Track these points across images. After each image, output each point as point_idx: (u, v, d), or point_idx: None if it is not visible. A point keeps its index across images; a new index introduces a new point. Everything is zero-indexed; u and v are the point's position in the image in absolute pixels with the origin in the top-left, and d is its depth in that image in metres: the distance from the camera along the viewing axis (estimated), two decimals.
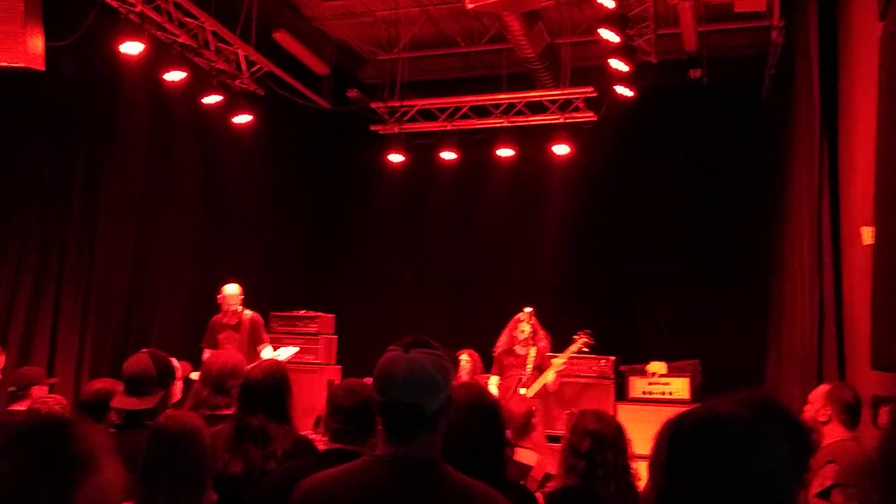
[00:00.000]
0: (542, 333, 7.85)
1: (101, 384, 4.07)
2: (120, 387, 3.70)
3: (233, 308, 7.64)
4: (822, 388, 4.60)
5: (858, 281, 4.69)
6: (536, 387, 7.60)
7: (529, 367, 7.64)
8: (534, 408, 5.03)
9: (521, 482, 3.83)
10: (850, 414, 4.42)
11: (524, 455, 4.38)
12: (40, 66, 6.25)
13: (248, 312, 7.73)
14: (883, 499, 1.28)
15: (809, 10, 6.36)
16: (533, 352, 7.68)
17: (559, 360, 7.79)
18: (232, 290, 7.71)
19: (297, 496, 2.07)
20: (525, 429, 4.78)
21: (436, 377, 2.02)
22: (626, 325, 9.71)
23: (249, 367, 3.97)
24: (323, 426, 5.18)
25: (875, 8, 4.01)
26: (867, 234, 4.13)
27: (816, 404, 4.51)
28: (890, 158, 3.50)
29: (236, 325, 7.65)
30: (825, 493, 3.67)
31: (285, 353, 7.42)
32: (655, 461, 1.64)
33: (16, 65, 6.12)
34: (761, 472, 1.55)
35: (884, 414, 2.64)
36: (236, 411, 3.70)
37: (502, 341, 7.85)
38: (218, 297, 7.73)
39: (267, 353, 7.40)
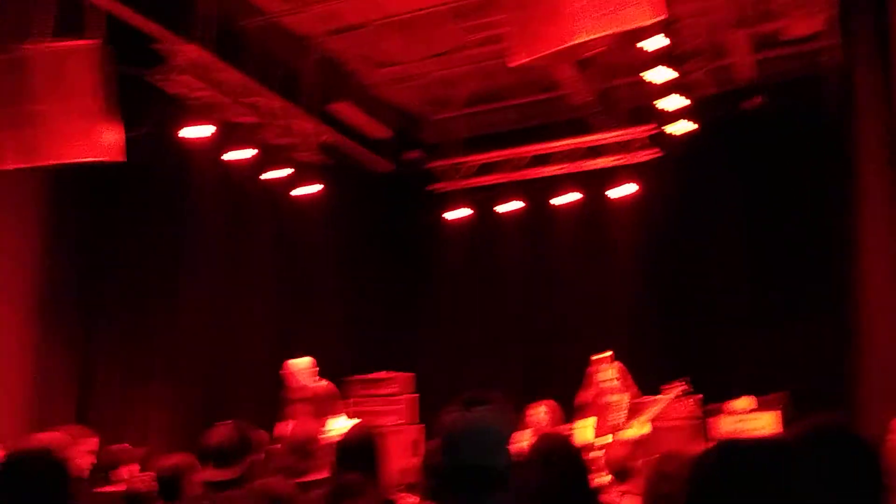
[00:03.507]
0: (630, 379, 7.75)
1: (177, 458, 4.15)
2: (195, 460, 3.79)
3: (299, 383, 7.43)
4: None
5: None
6: (633, 432, 7.44)
7: (624, 412, 7.49)
8: (633, 451, 4.99)
9: None
10: None
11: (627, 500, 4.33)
12: (120, 157, 6.56)
13: (321, 384, 7.53)
14: None
15: (866, 27, 6.29)
16: (626, 398, 7.56)
17: (655, 407, 7.65)
18: (299, 363, 7.48)
19: None
20: (624, 474, 4.74)
21: (499, 432, 1.99)
22: (708, 363, 9.49)
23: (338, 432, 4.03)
24: (403, 485, 5.22)
25: None
26: None
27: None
28: None
29: (307, 398, 7.41)
30: None
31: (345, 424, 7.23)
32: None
33: (96, 159, 6.43)
34: (784, 493, 1.50)
35: None
36: (331, 472, 3.76)
37: (587, 390, 7.74)
38: (281, 372, 7.56)
39: (337, 423, 7.24)
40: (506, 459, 1.99)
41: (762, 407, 8.52)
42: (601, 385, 7.62)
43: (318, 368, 7.64)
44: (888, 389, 6.04)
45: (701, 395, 8.74)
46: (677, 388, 7.79)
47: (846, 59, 7.78)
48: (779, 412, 8.43)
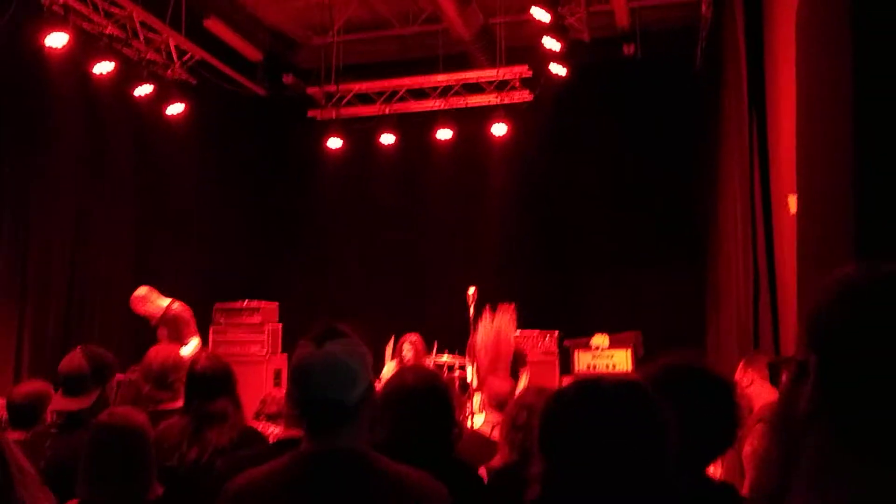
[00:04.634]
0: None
1: (31, 386, 3.97)
2: (52, 388, 3.66)
3: (143, 310, 7.21)
4: (745, 360, 4.85)
5: (788, 249, 4.83)
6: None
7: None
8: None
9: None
10: (774, 379, 4.65)
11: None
12: None
13: (175, 305, 7.28)
14: (771, 450, 1.34)
15: None
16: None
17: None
18: (137, 293, 7.23)
19: (227, 495, 2.04)
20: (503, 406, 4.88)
21: (353, 368, 2.00)
22: (569, 301, 9.85)
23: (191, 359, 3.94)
24: (263, 415, 5.20)
25: None
26: (793, 203, 4.26)
27: (738, 373, 4.75)
28: (808, 127, 3.61)
29: (159, 320, 7.22)
30: None
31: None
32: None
33: None
34: (642, 433, 1.58)
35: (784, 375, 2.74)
36: (187, 402, 3.68)
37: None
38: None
39: (187, 350, 7.08)
40: (357, 394, 1.99)
41: (616, 344, 8.94)
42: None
43: (155, 293, 7.29)
44: (737, 333, 6.43)
45: (559, 332, 9.10)
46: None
47: (716, 14, 8.03)
48: (630, 350, 8.88)
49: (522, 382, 7.40)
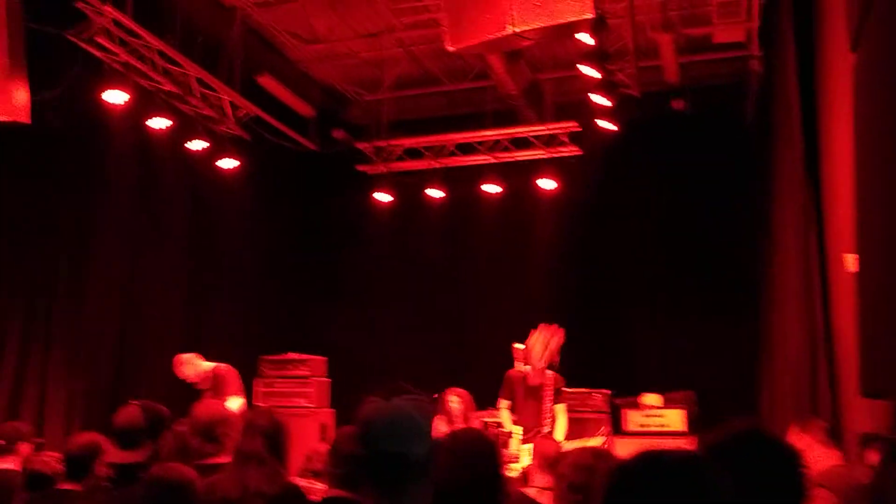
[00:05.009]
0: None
1: (87, 437, 4.02)
2: (106, 441, 3.67)
3: (189, 376, 7.42)
4: (794, 428, 4.71)
5: (845, 309, 4.70)
6: (561, 427, 7.41)
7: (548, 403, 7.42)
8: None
9: None
10: (831, 437, 4.53)
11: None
12: (26, 119, 6.27)
13: (222, 367, 7.48)
14: None
15: (787, 40, 6.44)
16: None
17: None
18: (180, 359, 7.47)
19: None
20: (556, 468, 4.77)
21: (419, 423, 1.98)
22: (620, 358, 9.68)
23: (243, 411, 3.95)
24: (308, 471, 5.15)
25: (847, 38, 4.06)
26: (850, 261, 4.15)
27: (792, 438, 4.61)
28: (867, 186, 3.53)
29: (206, 383, 7.42)
30: None
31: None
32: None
33: (1, 119, 6.13)
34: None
35: (873, 453, 2.63)
36: (226, 459, 3.67)
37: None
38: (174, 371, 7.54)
39: (231, 404, 7.17)
40: (425, 449, 1.96)
41: (669, 404, 8.74)
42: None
43: (199, 358, 7.50)
44: (793, 394, 6.24)
45: (610, 391, 8.92)
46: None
47: (767, 69, 7.99)
48: (685, 410, 8.67)
49: (561, 421, 7.28)
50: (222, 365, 7.48)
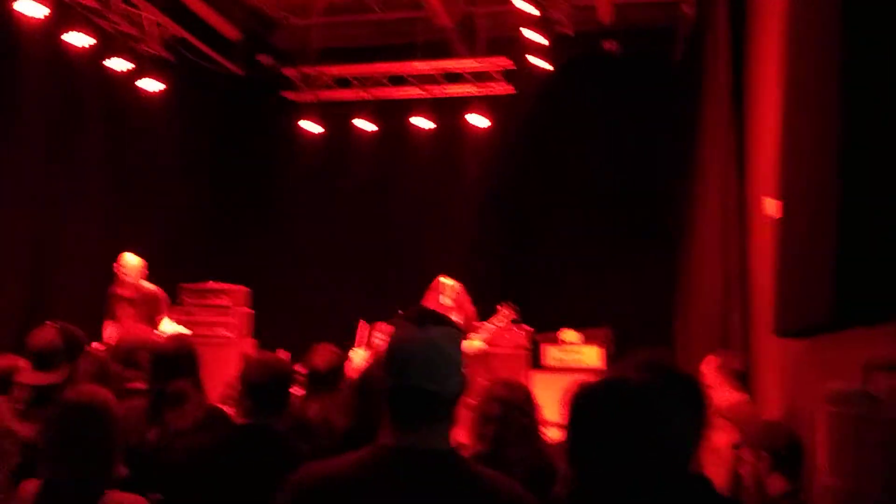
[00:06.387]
0: (468, 301, 7.89)
1: (2, 360, 3.92)
2: (23, 362, 3.59)
3: (129, 280, 7.35)
4: (712, 359, 4.92)
5: (763, 251, 4.86)
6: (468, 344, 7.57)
7: None
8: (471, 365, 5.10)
9: None
10: (739, 380, 4.81)
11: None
12: None
13: (150, 286, 7.48)
14: None
15: None
16: (455, 316, 7.66)
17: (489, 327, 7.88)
18: (131, 260, 7.40)
19: (292, 489, 1.82)
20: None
21: (454, 359, 1.83)
22: (539, 296, 9.84)
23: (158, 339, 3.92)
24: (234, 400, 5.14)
25: None
26: (770, 205, 4.28)
27: (707, 371, 4.84)
28: (794, 132, 3.62)
29: (133, 298, 7.37)
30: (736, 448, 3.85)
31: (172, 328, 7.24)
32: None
33: None
34: (663, 433, 1.60)
35: (881, 379, 2.68)
36: (151, 382, 3.67)
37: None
38: (114, 265, 7.45)
39: (166, 327, 7.21)
40: (457, 387, 1.83)
41: (587, 340, 8.97)
42: (443, 306, 7.70)
43: (147, 272, 7.43)
44: (707, 332, 6.46)
45: (532, 329, 9.09)
46: (508, 313, 8.00)
47: (699, 13, 8.05)
48: (602, 347, 8.91)
49: None
50: (153, 286, 7.45)
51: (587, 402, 1.66)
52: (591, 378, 1.86)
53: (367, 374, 3.67)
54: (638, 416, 1.60)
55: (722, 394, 4.72)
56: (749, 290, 5.53)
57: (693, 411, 2.05)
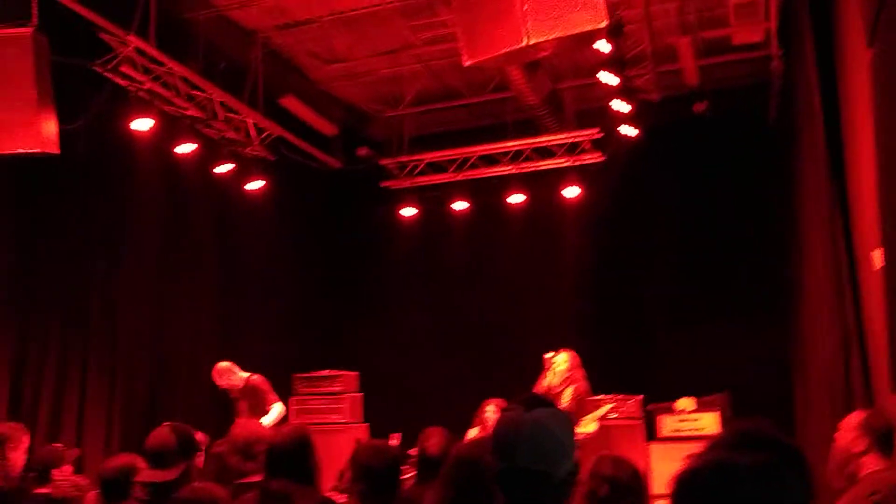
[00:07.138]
0: (580, 373, 7.72)
1: (122, 459, 4.08)
2: (142, 462, 3.74)
3: (223, 384, 7.79)
4: (855, 417, 4.47)
5: (876, 304, 4.66)
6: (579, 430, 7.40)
7: (565, 403, 7.33)
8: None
9: None
10: (886, 443, 4.28)
11: None
12: (55, 149, 6.40)
13: (246, 376, 7.81)
14: None
15: (805, 38, 6.41)
16: (569, 391, 7.54)
17: (604, 408, 7.74)
18: (217, 368, 7.83)
19: None
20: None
21: (564, 440, 1.85)
22: (650, 364, 9.63)
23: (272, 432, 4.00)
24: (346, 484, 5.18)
25: (864, 34, 4.06)
26: (878, 258, 4.13)
27: (850, 434, 4.37)
28: (891, 181, 3.52)
29: (237, 396, 7.77)
30: None
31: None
32: None
33: (31, 150, 6.27)
34: None
35: None
36: (265, 476, 3.72)
37: (539, 384, 7.69)
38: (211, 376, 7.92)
39: (269, 418, 7.44)
40: (567, 469, 1.84)
41: (703, 407, 8.68)
42: (552, 380, 7.58)
43: (237, 367, 7.83)
44: (828, 393, 6.18)
45: (642, 396, 8.87)
46: (606, 406, 7.86)
47: (787, 68, 7.95)
48: (719, 412, 8.59)
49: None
50: (255, 375, 7.78)
51: (692, 489, 1.59)
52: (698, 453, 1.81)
53: (468, 453, 3.65)
54: (748, 501, 1.52)
55: (867, 461, 4.20)
56: (867, 347, 5.29)
57: (803, 487, 1.97)
